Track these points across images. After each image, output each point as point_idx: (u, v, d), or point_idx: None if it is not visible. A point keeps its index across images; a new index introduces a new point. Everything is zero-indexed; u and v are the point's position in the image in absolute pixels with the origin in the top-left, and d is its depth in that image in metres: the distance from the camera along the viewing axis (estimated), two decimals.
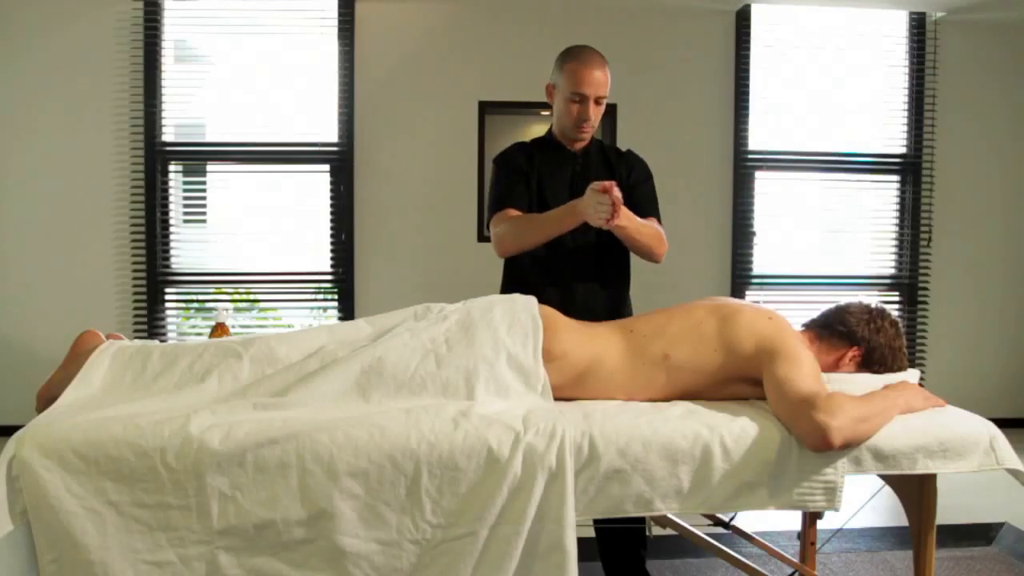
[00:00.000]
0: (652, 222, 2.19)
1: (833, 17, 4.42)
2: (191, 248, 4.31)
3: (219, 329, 2.25)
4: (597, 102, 2.16)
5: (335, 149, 4.21)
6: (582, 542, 1.51)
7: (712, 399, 1.73)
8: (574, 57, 2.15)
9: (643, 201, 2.24)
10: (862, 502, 2.14)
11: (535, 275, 2.19)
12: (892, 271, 4.58)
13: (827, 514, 1.75)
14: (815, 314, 1.92)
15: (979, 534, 2.90)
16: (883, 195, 4.56)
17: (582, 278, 2.21)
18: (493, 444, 1.45)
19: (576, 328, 1.78)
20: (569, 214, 2.02)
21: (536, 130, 4.27)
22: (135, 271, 4.15)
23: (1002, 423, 1.77)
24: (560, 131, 2.26)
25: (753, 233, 4.45)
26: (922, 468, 1.58)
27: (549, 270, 2.19)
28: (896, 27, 4.47)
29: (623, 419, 1.56)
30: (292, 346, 1.66)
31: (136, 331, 4.12)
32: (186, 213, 4.37)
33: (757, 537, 2.08)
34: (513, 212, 2.19)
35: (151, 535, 1.40)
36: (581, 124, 2.17)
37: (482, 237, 4.26)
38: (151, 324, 4.15)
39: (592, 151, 2.28)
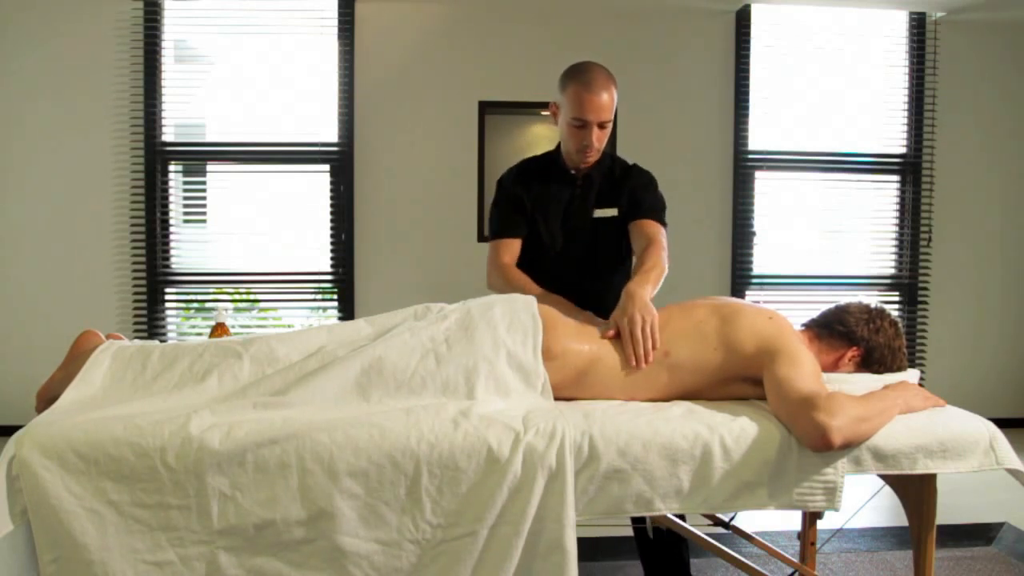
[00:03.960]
0: (643, 236, 2.09)
1: (833, 17, 4.42)
2: (191, 248, 4.31)
3: (219, 329, 2.25)
4: (601, 126, 2.06)
5: (335, 149, 4.21)
6: (582, 542, 1.51)
7: (712, 399, 1.73)
8: (576, 79, 2.04)
9: (639, 203, 2.14)
10: (862, 502, 2.14)
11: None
12: (892, 271, 4.58)
13: (827, 514, 1.75)
14: (815, 314, 1.92)
15: (979, 534, 2.90)
16: (883, 195, 4.56)
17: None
18: (493, 444, 1.45)
19: (576, 327, 1.78)
20: None
21: (536, 131, 4.32)
22: (135, 271, 4.15)
23: (1002, 423, 1.77)
24: (564, 152, 2.19)
25: (753, 233, 4.45)
26: (922, 468, 1.58)
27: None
28: (896, 27, 4.47)
29: (623, 419, 1.56)
30: (292, 346, 1.66)
31: (136, 331, 4.12)
32: (186, 213, 4.38)
33: (757, 537, 2.08)
34: (508, 242, 2.18)
35: (151, 535, 1.40)
36: (584, 150, 2.10)
37: (482, 237, 4.26)
38: (151, 324, 4.15)
39: (595, 174, 2.19)
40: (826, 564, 2.62)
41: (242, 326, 4.42)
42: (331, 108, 4.20)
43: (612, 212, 2.18)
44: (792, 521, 2.41)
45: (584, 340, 1.75)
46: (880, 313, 1.85)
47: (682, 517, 1.93)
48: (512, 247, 2.19)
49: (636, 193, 2.17)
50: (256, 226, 4.27)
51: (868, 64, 4.48)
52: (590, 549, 2.51)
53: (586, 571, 1.83)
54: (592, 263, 2.17)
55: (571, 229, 2.20)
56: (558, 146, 2.25)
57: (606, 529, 2.48)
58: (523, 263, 2.19)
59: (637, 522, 2.14)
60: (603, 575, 2.54)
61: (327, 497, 1.42)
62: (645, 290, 1.85)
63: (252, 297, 4.46)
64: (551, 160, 2.24)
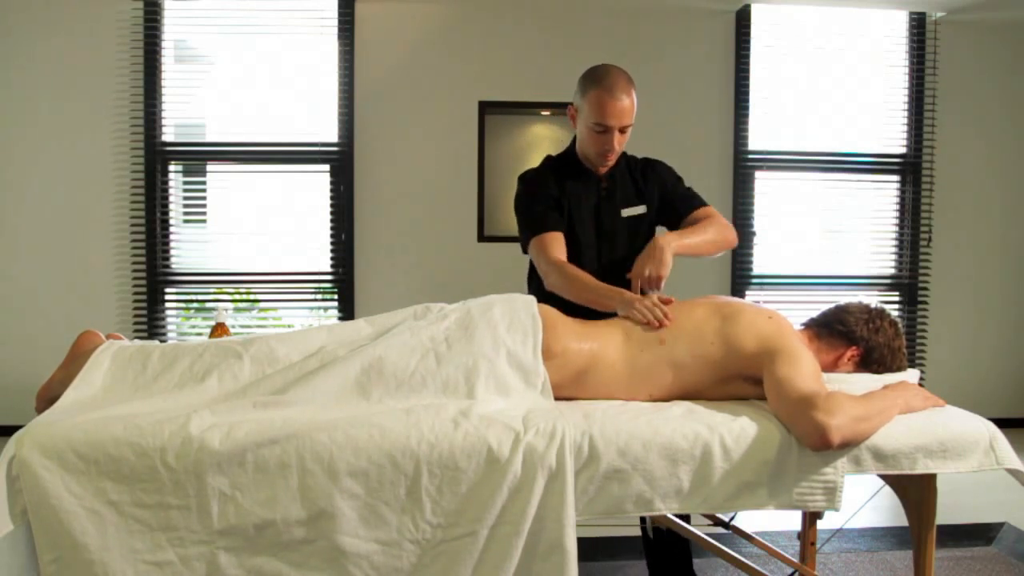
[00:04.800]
0: (701, 218, 2.16)
1: (833, 17, 4.42)
2: (191, 248, 4.31)
3: (219, 329, 2.26)
4: (622, 131, 2.07)
5: (335, 149, 4.21)
6: (582, 542, 1.51)
7: (712, 398, 1.73)
8: (598, 83, 2.04)
9: (681, 200, 2.21)
10: (862, 502, 2.15)
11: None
12: (892, 271, 4.58)
13: (827, 514, 1.75)
14: (815, 314, 1.92)
15: (979, 534, 2.90)
16: (883, 195, 4.56)
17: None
18: (493, 444, 1.45)
19: (576, 326, 1.78)
20: (613, 302, 1.88)
21: (536, 131, 4.32)
22: (135, 271, 4.15)
23: (1002, 423, 1.77)
24: (583, 156, 2.18)
25: (753, 233, 4.45)
26: (922, 468, 1.58)
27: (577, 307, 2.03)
28: (896, 27, 4.47)
29: (623, 419, 1.56)
30: (292, 346, 1.66)
31: (136, 331, 4.12)
32: (186, 213, 4.37)
33: (757, 537, 2.08)
34: (555, 235, 2.08)
35: (151, 535, 1.40)
36: (605, 154, 2.10)
37: (482, 237, 4.26)
38: (151, 324, 4.15)
39: (617, 174, 2.20)
40: (826, 564, 2.62)
41: (242, 326, 4.41)
42: (331, 108, 4.20)
43: (641, 210, 2.18)
44: (792, 521, 2.41)
45: (584, 340, 1.75)
46: (880, 313, 1.85)
47: (685, 518, 1.93)
48: (560, 241, 2.10)
49: (670, 190, 2.23)
50: (256, 226, 4.27)
51: (868, 64, 4.48)
52: (590, 549, 2.50)
53: (586, 571, 1.83)
54: (626, 263, 2.11)
55: (603, 231, 2.17)
56: (571, 146, 2.22)
57: (606, 529, 2.48)
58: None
59: (644, 521, 2.14)
60: (603, 575, 2.54)
61: (327, 497, 1.42)
62: (669, 239, 1.95)
63: (252, 297, 4.46)
64: (573, 160, 2.21)
